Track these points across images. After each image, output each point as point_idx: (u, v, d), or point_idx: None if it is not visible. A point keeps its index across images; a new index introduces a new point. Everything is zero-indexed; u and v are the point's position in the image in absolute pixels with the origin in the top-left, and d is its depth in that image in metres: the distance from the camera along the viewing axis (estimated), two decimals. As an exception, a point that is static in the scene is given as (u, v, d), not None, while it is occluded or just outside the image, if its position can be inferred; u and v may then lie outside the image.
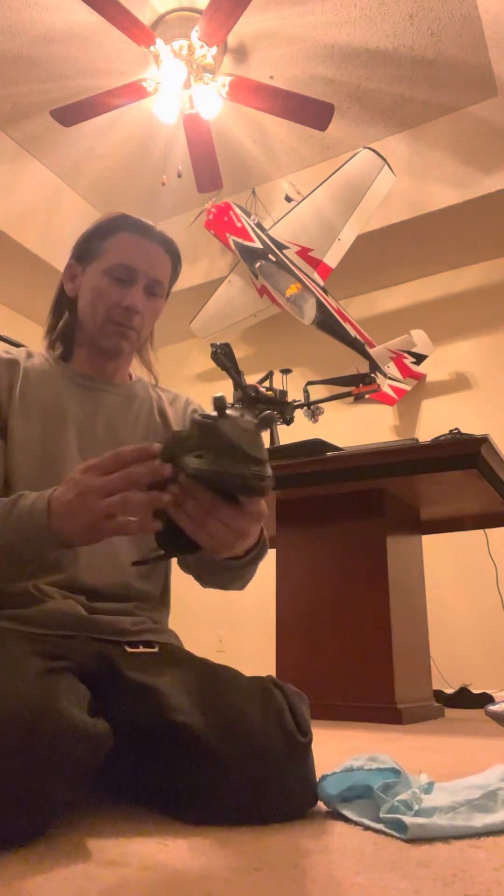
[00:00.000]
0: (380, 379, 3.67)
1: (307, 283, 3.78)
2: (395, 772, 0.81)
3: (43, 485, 0.83)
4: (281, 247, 3.83)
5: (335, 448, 2.32)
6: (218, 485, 0.67)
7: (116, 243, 1.09)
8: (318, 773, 0.81)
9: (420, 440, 2.24)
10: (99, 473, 0.72)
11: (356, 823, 0.75)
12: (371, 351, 3.71)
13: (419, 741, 1.67)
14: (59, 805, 0.66)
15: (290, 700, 0.82)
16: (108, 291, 1.08)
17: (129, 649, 0.91)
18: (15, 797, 0.62)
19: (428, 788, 0.81)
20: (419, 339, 3.78)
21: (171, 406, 1.21)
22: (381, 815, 0.73)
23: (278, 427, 2.76)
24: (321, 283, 3.85)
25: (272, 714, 0.78)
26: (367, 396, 3.68)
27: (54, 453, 1.01)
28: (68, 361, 1.15)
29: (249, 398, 2.34)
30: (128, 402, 1.15)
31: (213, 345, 2.36)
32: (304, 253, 3.85)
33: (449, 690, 2.96)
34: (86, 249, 1.12)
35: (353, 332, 3.74)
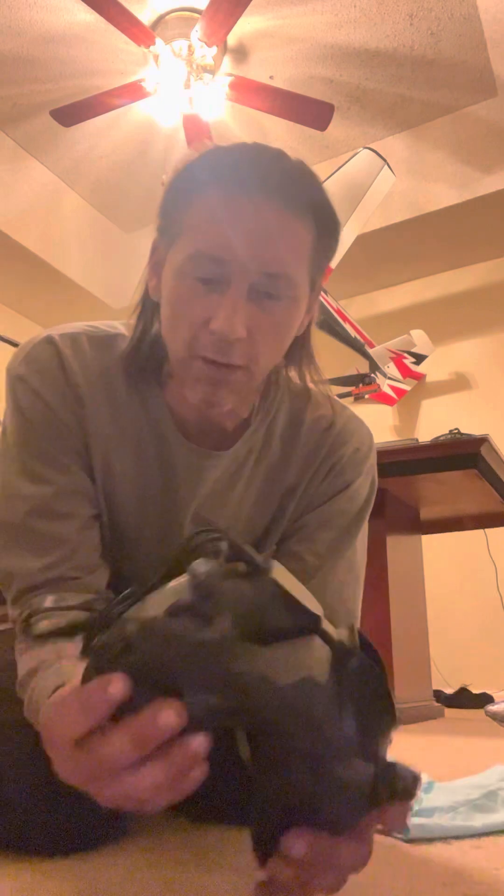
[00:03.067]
0: (379, 379, 3.67)
1: (307, 283, 3.77)
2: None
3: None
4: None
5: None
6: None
7: (197, 213, 0.64)
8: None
9: (420, 440, 2.24)
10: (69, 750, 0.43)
11: (356, 823, 0.75)
12: (371, 351, 3.71)
13: (419, 741, 1.67)
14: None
15: None
16: (187, 302, 0.65)
17: None
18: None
19: (428, 788, 0.81)
20: (419, 339, 3.78)
21: (308, 458, 0.79)
22: (381, 815, 0.73)
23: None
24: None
25: None
26: (366, 396, 3.68)
27: (129, 546, 0.78)
28: (163, 386, 0.76)
29: None
30: (235, 468, 0.77)
31: None
32: (304, 253, 3.85)
33: (449, 690, 2.95)
34: (167, 217, 0.68)
35: (353, 332, 3.74)
